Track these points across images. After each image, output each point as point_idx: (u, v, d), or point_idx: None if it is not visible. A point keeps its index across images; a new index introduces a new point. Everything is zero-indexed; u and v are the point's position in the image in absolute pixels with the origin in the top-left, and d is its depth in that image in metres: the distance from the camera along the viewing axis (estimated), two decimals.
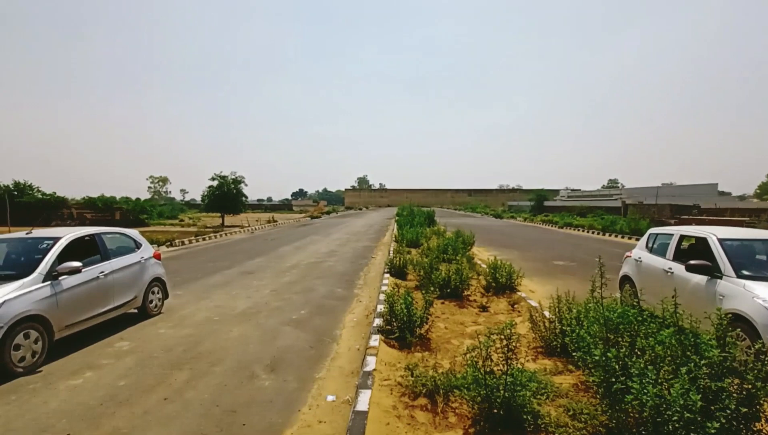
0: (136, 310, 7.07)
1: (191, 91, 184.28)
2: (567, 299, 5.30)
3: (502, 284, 8.56)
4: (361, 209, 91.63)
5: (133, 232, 7.61)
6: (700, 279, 5.23)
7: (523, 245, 18.85)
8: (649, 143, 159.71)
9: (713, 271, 5.09)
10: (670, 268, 5.95)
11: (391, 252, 13.32)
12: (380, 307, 6.77)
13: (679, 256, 6.18)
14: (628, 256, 7.51)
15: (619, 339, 3.64)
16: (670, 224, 25.10)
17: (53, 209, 34.35)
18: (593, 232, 26.44)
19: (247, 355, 5.36)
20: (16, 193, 34.76)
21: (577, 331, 3.86)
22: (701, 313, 3.63)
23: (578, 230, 28.70)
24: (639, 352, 3.37)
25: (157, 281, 7.50)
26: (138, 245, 7.38)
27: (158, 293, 7.48)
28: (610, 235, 24.28)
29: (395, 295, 6.09)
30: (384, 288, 8.56)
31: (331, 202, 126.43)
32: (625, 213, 36.06)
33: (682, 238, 6.30)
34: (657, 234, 7.03)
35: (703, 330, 3.21)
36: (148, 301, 7.16)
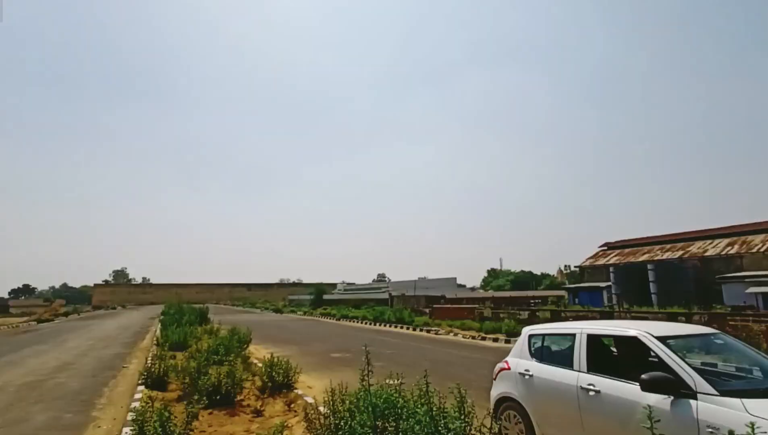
0: None
1: None
2: (340, 391, 5.32)
3: (278, 383, 8.09)
4: (115, 308, 76.23)
5: None
6: (656, 400, 3.41)
7: (302, 340, 18.75)
8: (407, 241, 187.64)
9: (679, 388, 3.38)
10: (592, 385, 4.09)
11: (149, 358, 11.23)
12: (126, 430, 5.41)
13: (600, 365, 4.32)
14: (504, 369, 5.39)
15: (386, 425, 3.79)
16: (425, 313, 29.27)
17: None
18: (366, 323, 28.59)
19: None
20: None
21: (349, 422, 3.85)
22: None
23: (353, 322, 30.62)
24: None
25: None
26: None
27: None
28: (380, 325, 26.61)
29: (147, 412, 4.99)
30: (135, 404, 6.98)
31: (74, 300, 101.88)
32: (391, 304, 40.63)
33: (591, 338, 4.51)
34: (543, 335, 5.21)
35: None
36: None
